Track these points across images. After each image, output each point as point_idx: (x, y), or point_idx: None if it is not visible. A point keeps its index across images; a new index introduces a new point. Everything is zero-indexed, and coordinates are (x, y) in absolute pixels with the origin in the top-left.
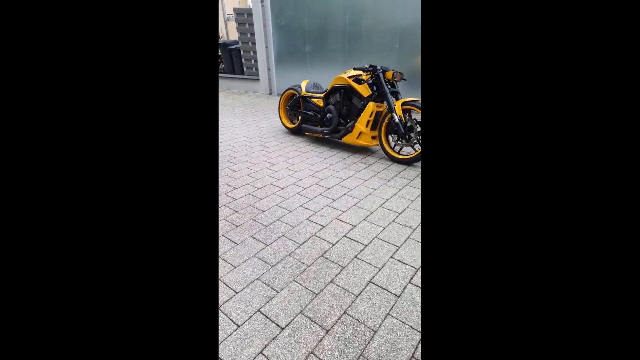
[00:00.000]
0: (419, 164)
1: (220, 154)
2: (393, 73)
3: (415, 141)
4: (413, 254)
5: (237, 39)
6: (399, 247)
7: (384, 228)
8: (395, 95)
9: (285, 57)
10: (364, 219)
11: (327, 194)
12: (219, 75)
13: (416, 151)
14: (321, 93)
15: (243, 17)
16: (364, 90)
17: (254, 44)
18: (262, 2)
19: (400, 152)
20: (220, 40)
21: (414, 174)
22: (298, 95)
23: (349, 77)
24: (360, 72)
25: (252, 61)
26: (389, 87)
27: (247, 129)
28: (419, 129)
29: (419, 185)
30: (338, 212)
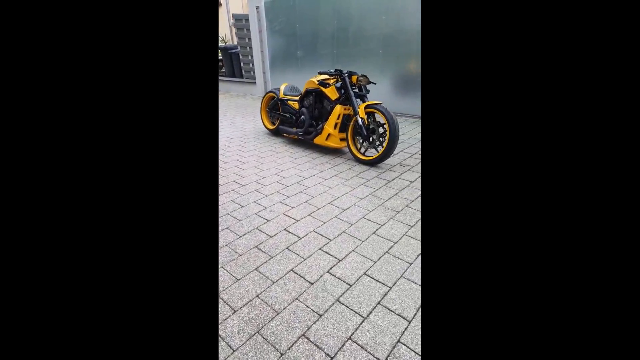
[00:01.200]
0: (383, 164)
1: None
2: (357, 77)
3: (378, 143)
4: (342, 246)
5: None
6: (331, 240)
7: (324, 223)
8: (362, 98)
9: (279, 61)
10: (308, 215)
11: (284, 191)
12: (220, 78)
13: (378, 152)
14: (297, 96)
15: (241, 22)
16: (332, 93)
17: (251, 48)
18: (257, 7)
19: (366, 154)
20: (222, 45)
21: (373, 175)
22: (277, 98)
23: (317, 81)
24: (326, 76)
25: (250, 65)
26: (356, 90)
27: (232, 130)
28: (381, 130)
29: (374, 185)
30: (287, 208)
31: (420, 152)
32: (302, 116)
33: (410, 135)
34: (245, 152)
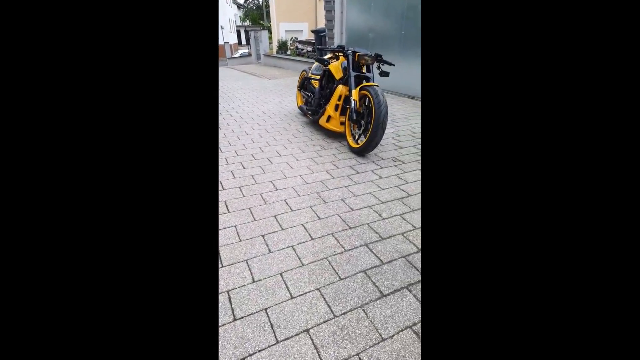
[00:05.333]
0: (374, 155)
1: (224, 121)
2: (358, 55)
3: (365, 129)
4: (230, 220)
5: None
6: (229, 212)
7: (243, 197)
8: (367, 79)
9: (354, 42)
10: (238, 187)
11: (247, 162)
12: (309, 60)
13: (365, 139)
14: (319, 75)
15: (330, 4)
16: (336, 72)
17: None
18: None
19: (358, 141)
20: (315, 28)
21: (348, 164)
22: (304, 77)
23: (316, 59)
24: (330, 54)
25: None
26: (364, 71)
27: (273, 106)
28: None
29: (336, 175)
30: (229, 177)
31: None
32: (314, 95)
33: None
34: (259, 126)
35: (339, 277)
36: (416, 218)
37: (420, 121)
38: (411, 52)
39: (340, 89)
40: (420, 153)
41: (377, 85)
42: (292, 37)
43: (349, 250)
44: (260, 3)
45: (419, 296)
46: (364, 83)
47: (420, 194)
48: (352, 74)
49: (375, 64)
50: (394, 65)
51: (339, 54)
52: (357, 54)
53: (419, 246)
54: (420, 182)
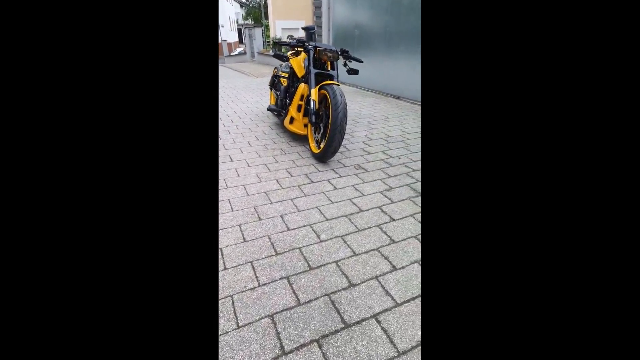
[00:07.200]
0: (335, 162)
1: None
2: (319, 50)
3: (323, 133)
4: None
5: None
6: None
7: None
8: (331, 77)
9: (341, 40)
10: None
11: None
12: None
13: (324, 143)
14: (287, 73)
15: (319, 0)
16: (299, 68)
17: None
18: None
19: (321, 145)
20: (304, 25)
21: (303, 172)
22: (274, 74)
23: (272, 54)
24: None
25: None
26: (329, 68)
27: (249, 105)
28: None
29: (286, 185)
30: None
31: (403, 155)
32: (280, 94)
33: None
34: (223, 127)
35: (237, 324)
36: (359, 240)
37: (398, 123)
38: (397, 49)
39: (302, 88)
40: (386, 160)
41: (338, 85)
42: (288, 35)
43: (264, 284)
44: (260, 1)
45: (329, 353)
46: (327, 82)
47: (371, 210)
48: (313, 71)
49: (342, 61)
50: (362, 62)
51: (299, 49)
52: (317, 49)
53: (351, 279)
54: (377, 194)
